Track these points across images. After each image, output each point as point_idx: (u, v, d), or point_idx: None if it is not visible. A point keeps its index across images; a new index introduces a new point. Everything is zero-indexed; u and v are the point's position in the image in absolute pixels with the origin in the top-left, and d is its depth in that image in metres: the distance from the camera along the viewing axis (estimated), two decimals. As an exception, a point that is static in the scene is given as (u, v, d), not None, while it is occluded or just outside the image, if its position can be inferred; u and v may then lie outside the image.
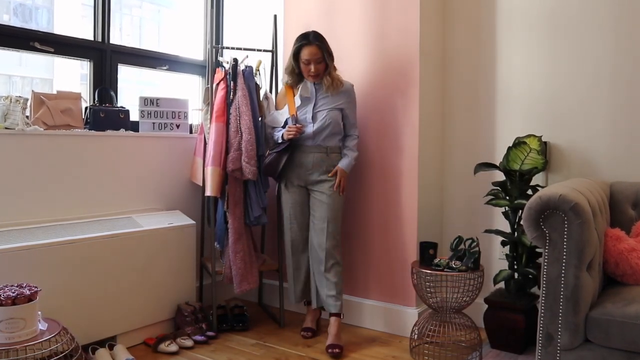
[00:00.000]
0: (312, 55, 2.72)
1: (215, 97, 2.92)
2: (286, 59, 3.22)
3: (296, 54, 2.77)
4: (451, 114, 3.11)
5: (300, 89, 2.82)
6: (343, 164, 2.81)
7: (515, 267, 2.69)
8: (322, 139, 2.78)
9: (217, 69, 2.98)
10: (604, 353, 1.89)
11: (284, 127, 2.83)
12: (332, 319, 2.77)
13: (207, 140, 2.95)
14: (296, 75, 2.83)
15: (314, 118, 2.78)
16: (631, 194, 2.47)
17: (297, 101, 2.82)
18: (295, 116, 2.80)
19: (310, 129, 2.77)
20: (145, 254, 2.69)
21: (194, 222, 2.96)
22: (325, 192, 2.77)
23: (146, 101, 3.04)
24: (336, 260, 2.79)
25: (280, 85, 3.17)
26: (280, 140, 2.82)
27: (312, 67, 2.73)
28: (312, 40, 2.73)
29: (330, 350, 2.63)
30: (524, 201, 2.54)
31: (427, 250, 2.59)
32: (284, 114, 2.86)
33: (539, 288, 2.02)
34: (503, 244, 2.76)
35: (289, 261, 2.95)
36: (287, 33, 3.28)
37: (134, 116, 3.02)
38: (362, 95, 2.98)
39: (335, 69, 2.81)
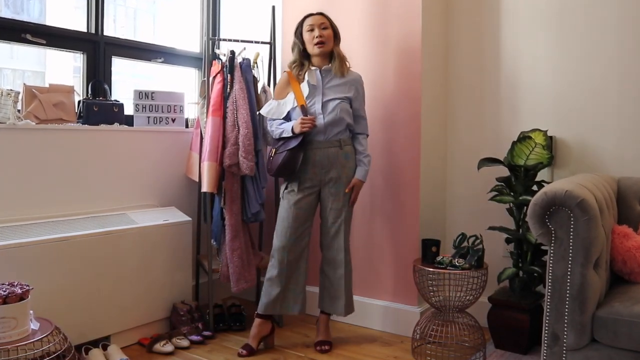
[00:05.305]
0: (316, 21, 2.55)
1: (211, 90, 2.89)
2: (285, 51, 3.19)
3: (299, 27, 2.60)
4: (454, 108, 3.07)
5: (306, 75, 2.60)
6: (360, 174, 2.62)
7: (520, 265, 2.66)
8: (334, 133, 2.56)
9: (213, 62, 2.94)
10: (611, 353, 1.86)
11: (286, 119, 2.62)
12: (325, 316, 2.73)
13: (203, 134, 2.92)
14: (301, 55, 2.61)
15: (323, 109, 2.56)
16: (639, 190, 2.44)
17: (304, 90, 2.60)
18: (305, 106, 2.55)
19: (321, 120, 2.54)
20: (140, 251, 2.66)
21: (189, 218, 2.93)
22: (342, 188, 2.59)
23: (141, 94, 3.00)
24: (349, 261, 2.69)
25: (279, 78, 3.11)
26: (287, 134, 2.56)
27: (317, 31, 2.53)
28: (316, 12, 2.61)
29: (318, 348, 2.64)
30: (528, 197, 2.52)
31: (430, 248, 2.56)
32: (287, 105, 2.62)
33: (545, 286, 2.02)
34: (507, 241, 2.74)
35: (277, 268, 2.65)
36: (285, 24, 3.23)
37: (129, 110, 2.98)
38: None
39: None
